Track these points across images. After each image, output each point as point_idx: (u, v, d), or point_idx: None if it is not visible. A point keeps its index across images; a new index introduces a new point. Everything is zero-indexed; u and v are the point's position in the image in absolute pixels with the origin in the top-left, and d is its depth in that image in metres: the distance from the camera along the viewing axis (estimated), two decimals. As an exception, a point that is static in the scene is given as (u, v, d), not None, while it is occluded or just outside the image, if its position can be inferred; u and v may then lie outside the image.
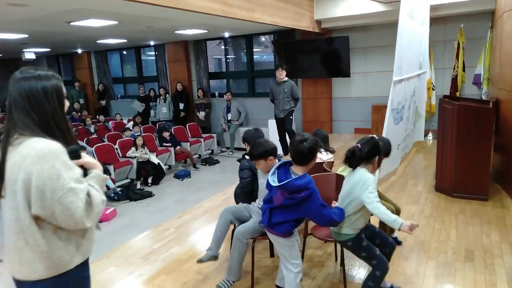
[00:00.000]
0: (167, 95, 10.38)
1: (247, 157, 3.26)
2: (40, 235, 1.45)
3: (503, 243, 3.44)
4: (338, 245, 3.33)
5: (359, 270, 3.09)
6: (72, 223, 1.44)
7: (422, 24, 6.21)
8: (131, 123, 9.46)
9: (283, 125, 7.12)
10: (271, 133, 8.46)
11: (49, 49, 10.91)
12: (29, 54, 10.47)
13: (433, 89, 7.54)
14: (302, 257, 3.04)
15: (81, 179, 1.48)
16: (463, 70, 7.19)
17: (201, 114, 10.02)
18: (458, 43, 7.06)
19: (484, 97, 6.70)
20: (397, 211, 3.19)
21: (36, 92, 1.46)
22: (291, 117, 7.19)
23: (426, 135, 7.74)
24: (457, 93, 7.12)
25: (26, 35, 7.45)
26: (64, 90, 1.56)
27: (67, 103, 1.57)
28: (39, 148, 1.40)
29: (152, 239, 3.96)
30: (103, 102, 11.99)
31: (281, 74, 6.86)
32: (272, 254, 3.37)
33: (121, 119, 10.45)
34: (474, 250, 3.35)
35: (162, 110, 10.33)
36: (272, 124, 8.44)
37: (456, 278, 2.93)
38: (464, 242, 3.50)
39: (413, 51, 5.73)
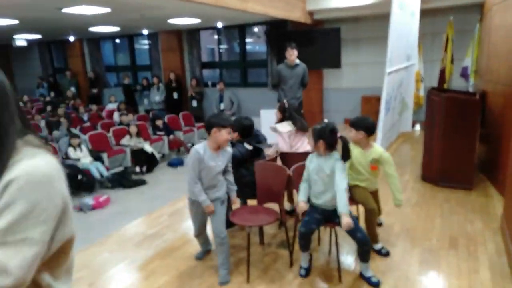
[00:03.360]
0: (160, 84, 10.37)
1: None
2: None
3: (486, 231, 3.54)
4: (326, 233, 3.45)
5: (347, 257, 3.19)
6: None
7: (412, 16, 6.28)
8: (117, 113, 9.50)
9: None
10: (264, 123, 8.49)
11: (40, 36, 10.78)
12: (20, 40, 10.35)
13: (421, 81, 7.64)
14: (293, 244, 3.13)
15: None
16: (452, 62, 7.28)
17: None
18: (447, 36, 7.15)
19: (471, 90, 6.81)
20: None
21: None
22: (302, 110, 5.85)
23: (413, 126, 7.86)
24: (445, 85, 7.22)
25: (16, 21, 7.37)
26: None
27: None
28: None
29: (145, 225, 4.02)
30: (95, 90, 11.92)
31: (292, 55, 5.67)
32: (261, 241, 3.46)
33: (116, 101, 10.37)
34: (458, 237, 3.44)
35: (155, 99, 10.33)
36: (265, 114, 8.47)
37: (441, 265, 3.02)
38: (448, 230, 3.59)
39: (402, 43, 5.80)
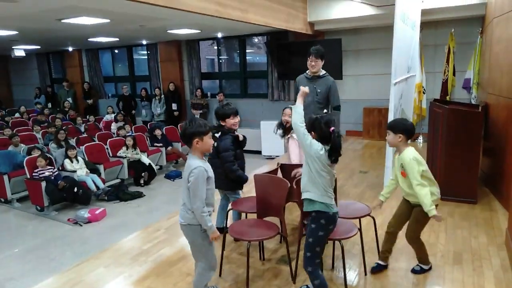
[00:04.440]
0: (162, 96, 10.32)
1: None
2: None
3: (491, 246, 3.48)
4: (329, 246, 3.35)
5: (349, 272, 3.10)
6: None
7: (413, 28, 6.27)
8: (114, 124, 9.42)
9: None
10: (264, 136, 8.39)
11: (39, 47, 10.79)
12: (19, 51, 10.36)
13: (423, 93, 7.61)
14: (297, 258, 3.04)
15: None
16: (453, 74, 7.27)
17: (197, 112, 10.02)
18: (449, 48, 7.14)
19: (473, 102, 6.78)
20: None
21: None
22: None
23: (416, 138, 7.81)
24: (447, 97, 7.20)
25: (15, 32, 7.35)
26: None
27: None
28: None
29: (142, 240, 3.92)
30: (90, 101, 11.85)
31: (315, 66, 4.39)
32: (262, 257, 3.37)
33: (113, 112, 10.32)
34: (462, 252, 3.37)
35: (157, 111, 10.27)
36: (266, 125, 8.39)
37: (445, 281, 2.95)
38: (452, 245, 3.53)
39: (403, 55, 5.78)
